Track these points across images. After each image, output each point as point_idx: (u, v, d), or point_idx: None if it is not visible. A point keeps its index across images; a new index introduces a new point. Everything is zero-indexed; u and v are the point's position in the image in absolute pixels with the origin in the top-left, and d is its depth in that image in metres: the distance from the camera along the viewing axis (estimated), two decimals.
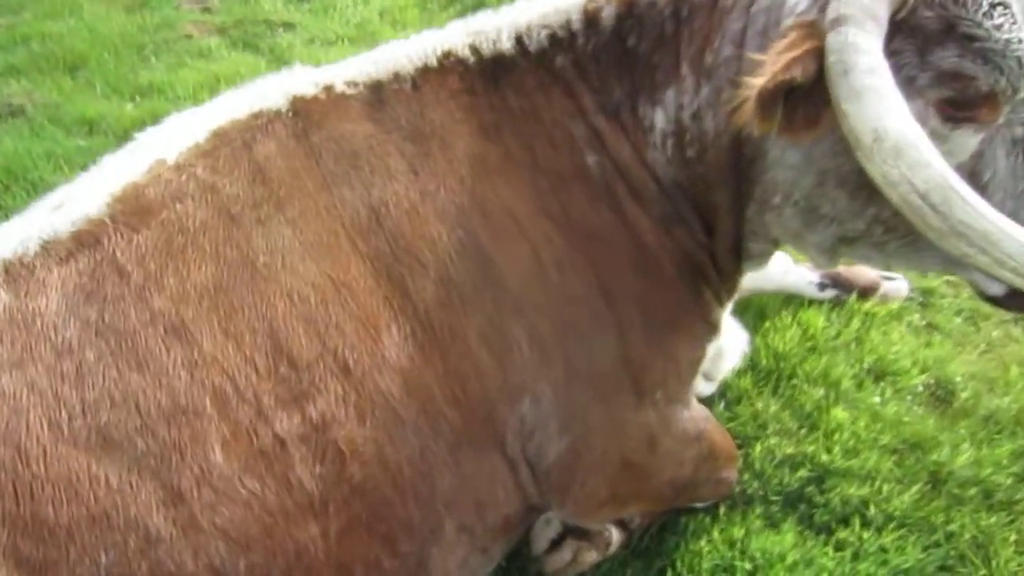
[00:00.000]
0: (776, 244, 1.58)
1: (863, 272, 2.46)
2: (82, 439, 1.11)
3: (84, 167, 3.31)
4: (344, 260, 1.32)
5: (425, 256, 1.36)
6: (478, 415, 1.39)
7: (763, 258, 1.64)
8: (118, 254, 1.23)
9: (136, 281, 1.21)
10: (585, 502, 1.60)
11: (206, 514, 1.14)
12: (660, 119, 1.46)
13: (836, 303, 2.42)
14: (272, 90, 1.47)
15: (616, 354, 1.49)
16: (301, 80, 1.48)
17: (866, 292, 2.43)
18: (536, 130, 1.46)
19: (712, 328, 1.63)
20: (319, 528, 1.21)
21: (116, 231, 1.26)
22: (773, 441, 2.05)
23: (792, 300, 2.42)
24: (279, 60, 3.99)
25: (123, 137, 3.28)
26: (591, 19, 1.49)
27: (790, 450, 2.03)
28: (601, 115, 1.46)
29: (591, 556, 1.79)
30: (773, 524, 1.90)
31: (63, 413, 1.12)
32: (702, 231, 1.54)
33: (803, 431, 2.09)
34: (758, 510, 1.92)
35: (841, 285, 2.42)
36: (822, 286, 2.42)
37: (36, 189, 3.02)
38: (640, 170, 1.49)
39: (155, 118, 3.60)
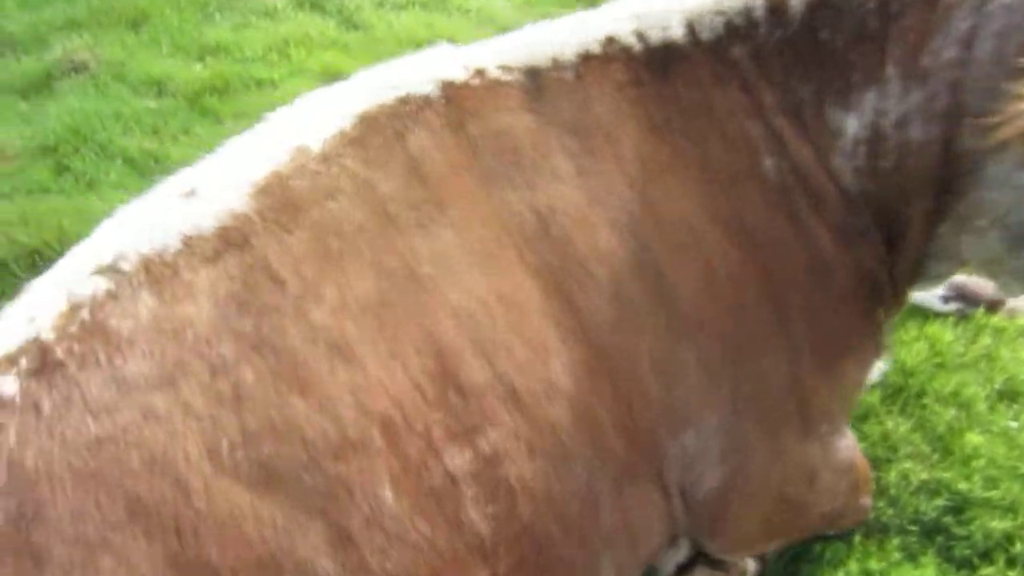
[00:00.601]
0: (961, 266, 1.44)
1: (988, 285, 2.31)
2: (244, 472, 0.98)
3: (155, 130, 3.24)
4: (511, 272, 1.17)
5: (596, 269, 1.20)
6: (643, 444, 1.26)
7: (940, 280, 1.50)
8: (271, 257, 1.09)
9: (293, 290, 1.07)
10: (736, 535, 1.48)
11: (376, 558, 1.01)
12: (852, 124, 1.30)
13: (961, 317, 2.28)
14: (417, 72, 1.30)
15: (786, 380, 1.34)
16: (449, 62, 1.32)
17: (993, 306, 2.28)
18: (709, 127, 1.30)
19: (881, 350, 1.48)
20: (488, 572, 1.09)
21: (266, 230, 1.11)
22: (907, 465, 1.91)
23: (915, 312, 2.28)
24: (348, 22, 3.83)
25: (194, 100, 3.15)
26: (776, 7, 1.31)
27: (925, 476, 1.89)
28: (781, 115, 1.30)
29: None
30: (911, 556, 1.77)
31: (223, 441, 0.99)
32: (883, 247, 1.39)
33: (936, 455, 1.95)
34: (895, 540, 1.79)
35: (966, 298, 2.27)
36: (946, 299, 2.26)
37: (106, 152, 2.90)
38: (822, 177, 1.32)
39: (225, 81, 3.51)
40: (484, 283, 1.15)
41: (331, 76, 3.26)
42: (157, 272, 1.10)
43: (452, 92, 1.28)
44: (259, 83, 3.19)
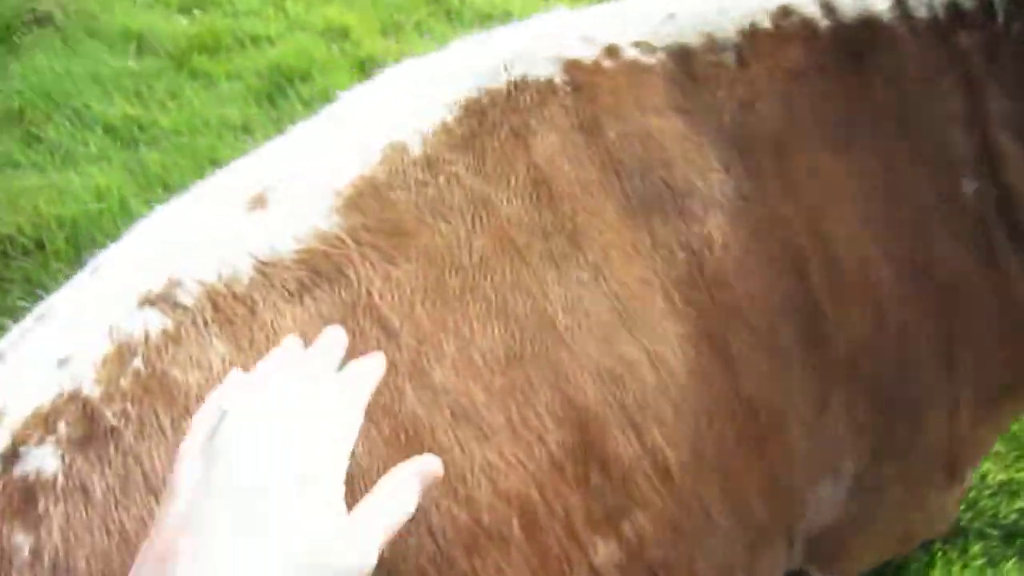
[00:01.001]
0: None
1: None
2: None
3: (139, 93, 2.90)
4: (661, 324, 0.95)
5: (753, 317, 0.99)
6: (782, 504, 1.09)
7: None
8: (375, 297, 0.87)
9: (407, 341, 0.85)
10: (848, 567, 1.34)
11: None
12: None
13: None
14: (532, 46, 1.04)
15: (942, 435, 1.16)
16: (567, 35, 1.06)
17: None
18: (902, 137, 1.06)
19: None
20: None
21: (364, 258, 0.87)
22: (985, 466, 1.79)
23: None
24: None
25: (181, 59, 2.83)
26: None
27: (1002, 476, 1.78)
28: (1007, 129, 1.05)
29: None
30: (992, 562, 1.66)
31: None
32: None
33: (1013, 454, 1.84)
34: (976, 547, 1.68)
35: None
36: None
37: (82, 119, 2.58)
38: None
39: (215, 37, 3.16)
40: (630, 338, 0.93)
41: (334, 33, 2.98)
42: (227, 309, 0.87)
43: (580, 76, 1.02)
44: (254, 40, 2.86)
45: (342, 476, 0.55)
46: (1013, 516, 1.74)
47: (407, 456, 0.83)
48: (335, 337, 0.70)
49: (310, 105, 2.56)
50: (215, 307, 0.86)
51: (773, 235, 1.02)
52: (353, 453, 0.59)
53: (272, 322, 0.85)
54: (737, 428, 1.00)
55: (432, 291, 0.88)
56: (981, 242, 1.09)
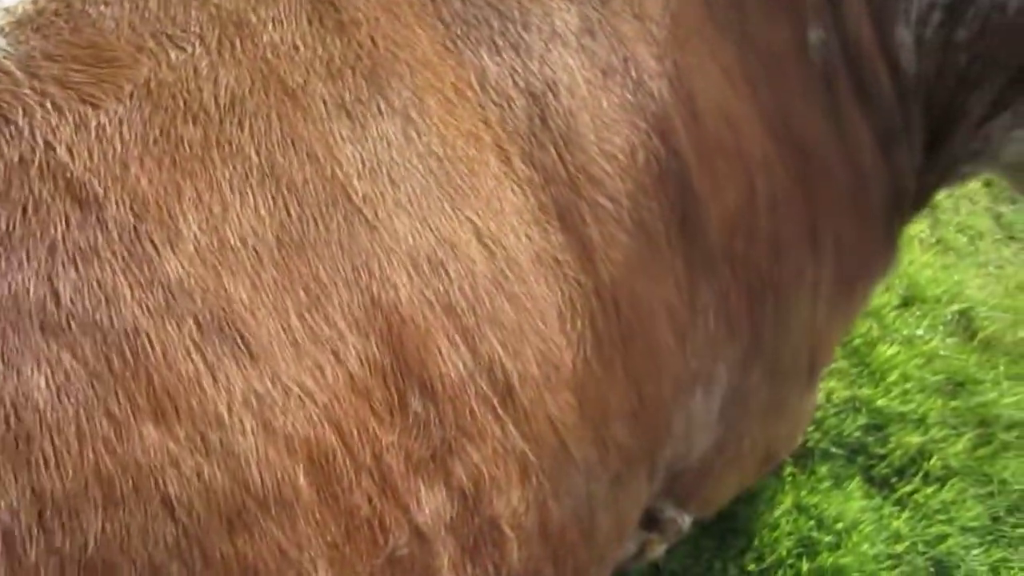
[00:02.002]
0: (997, 170, 1.19)
1: None
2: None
3: None
4: (496, 193, 0.71)
5: (611, 183, 0.77)
6: (648, 425, 0.91)
7: (960, 183, 1.25)
8: (60, 151, 0.53)
9: (118, 216, 0.54)
10: (709, 502, 1.21)
11: None
12: None
13: None
14: None
15: (805, 324, 1.03)
16: None
17: None
18: None
19: (891, 267, 1.21)
20: None
21: (44, 98, 0.55)
22: (830, 384, 1.74)
23: None
24: None
25: None
26: None
27: (846, 393, 1.75)
28: None
29: (660, 548, 1.40)
30: (838, 483, 1.61)
31: (13, 530, 0.49)
32: (921, 151, 1.09)
33: (855, 370, 1.80)
34: (823, 468, 1.62)
35: None
36: None
37: None
38: (875, 59, 0.98)
39: None
40: (453, 212, 0.68)
41: None
42: None
43: None
44: None
45: None
46: (857, 434, 1.71)
47: (124, 391, 0.56)
48: None
49: None
50: None
51: (628, 80, 0.80)
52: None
53: None
54: (595, 329, 0.78)
55: (158, 144, 0.58)
56: (829, 101, 0.94)
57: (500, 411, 0.70)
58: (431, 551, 0.66)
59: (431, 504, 0.66)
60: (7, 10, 0.61)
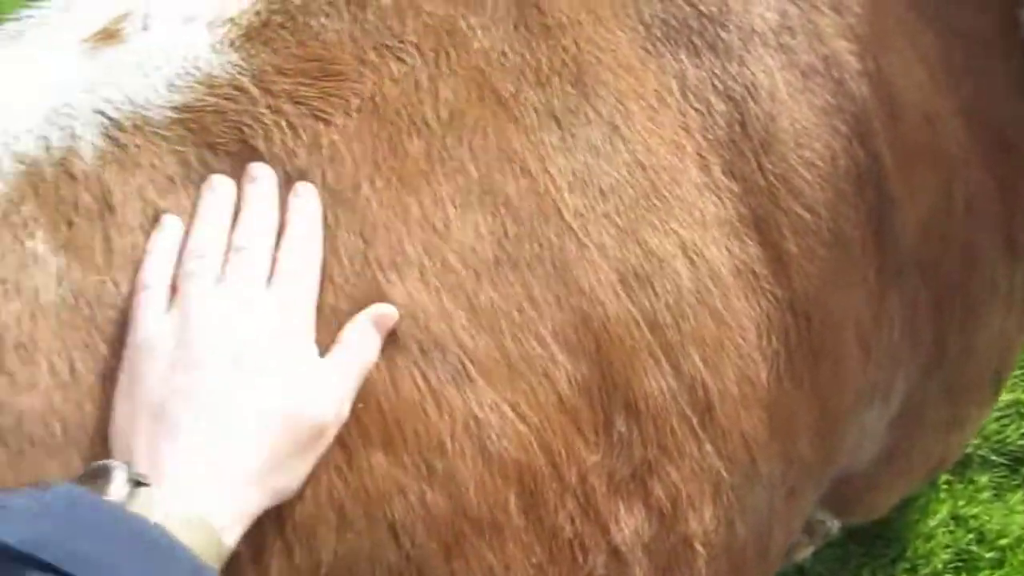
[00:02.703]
0: None
1: None
2: None
3: None
4: (698, 204, 0.69)
5: (811, 193, 0.74)
6: (826, 439, 0.87)
7: None
8: (295, 177, 0.56)
9: (349, 242, 0.55)
10: (870, 511, 1.16)
11: None
12: None
13: None
14: None
15: (994, 337, 0.96)
16: None
17: None
18: None
19: None
20: None
21: (279, 116, 0.56)
22: None
23: None
24: None
25: None
26: None
27: (1009, 396, 1.62)
28: None
29: (807, 551, 1.37)
30: (999, 494, 1.50)
31: None
32: None
33: (1020, 371, 1.69)
34: (983, 478, 1.52)
35: None
36: None
37: None
38: None
39: None
40: (658, 222, 0.66)
41: None
42: (62, 204, 0.55)
43: None
44: None
45: (312, 330, 0.54)
46: (1021, 442, 1.57)
47: (355, 420, 0.55)
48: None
49: None
50: (41, 200, 0.55)
51: (829, 80, 0.76)
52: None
53: (141, 225, 0.55)
54: (788, 345, 0.76)
55: (385, 162, 0.58)
56: None
57: (699, 429, 0.68)
58: (627, 571, 0.66)
59: (630, 524, 0.65)
60: (234, 22, 0.62)
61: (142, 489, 0.46)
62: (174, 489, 0.47)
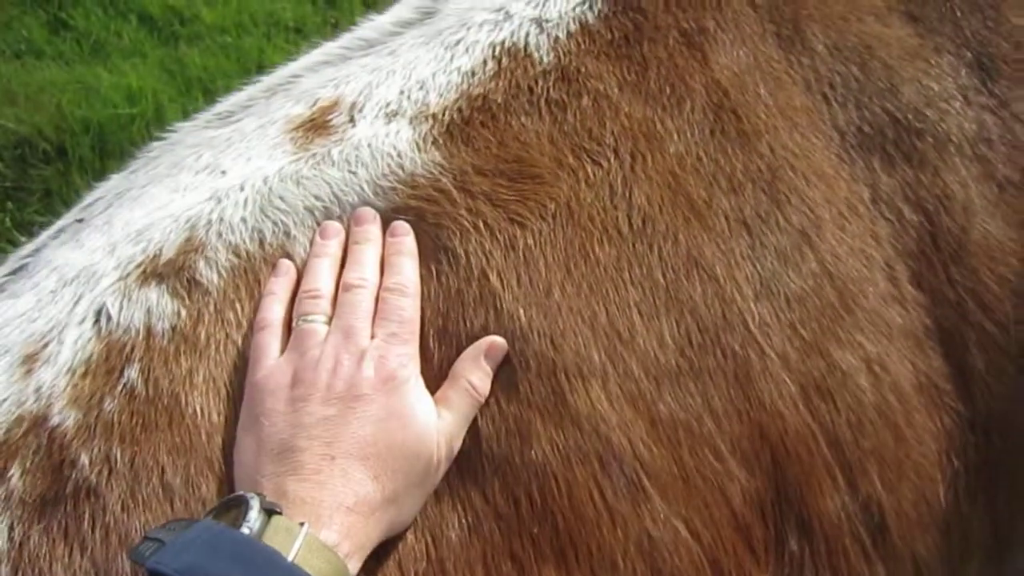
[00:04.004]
0: None
1: None
2: None
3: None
4: (885, 316, 0.67)
5: (999, 308, 0.70)
6: (997, 567, 0.83)
7: None
8: (492, 278, 0.57)
9: (539, 348, 0.56)
10: None
11: None
12: None
13: None
14: None
15: None
16: None
17: None
18: None
19: None
20: None
21: (477, 218, 0.58)
22: None
23: None
24: None
25: None
26: None
27: None
28: None
29: None
30: None
31: None
32: None
33: None
34: None
35: None
36: None
37: (116, 6, 2.27)
38: None
39: None
40: (843, 334, 0.64)
41: None
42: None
43: None
44: None
45: (417, 363, 0.57)
46: None
47: (528, 534, 0.55)
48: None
49: (372, 5, 2.22)
50: (251, 289, 0.59)
51: (1022, 194, 0.72)
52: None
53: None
54: (967, 463, 0.72)
55: (576, 268, 0.59)
56: None
57: (871, 551, 0.66)
58: None
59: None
60: (436, 119, 0.64)
61: (276, 518, 0.49)
62: (303, 519, 0.49)
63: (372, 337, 0.56)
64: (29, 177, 1.81)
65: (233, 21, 2.29)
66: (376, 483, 0.52)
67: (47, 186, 1.78)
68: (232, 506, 0.50)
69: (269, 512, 0.49)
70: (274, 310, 0.57)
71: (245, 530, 0.47)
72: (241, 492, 0.51)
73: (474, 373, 0.56)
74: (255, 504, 0.49)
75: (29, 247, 0.66)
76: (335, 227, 0.61)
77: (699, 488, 0.59)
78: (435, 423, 0.54)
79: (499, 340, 0.57)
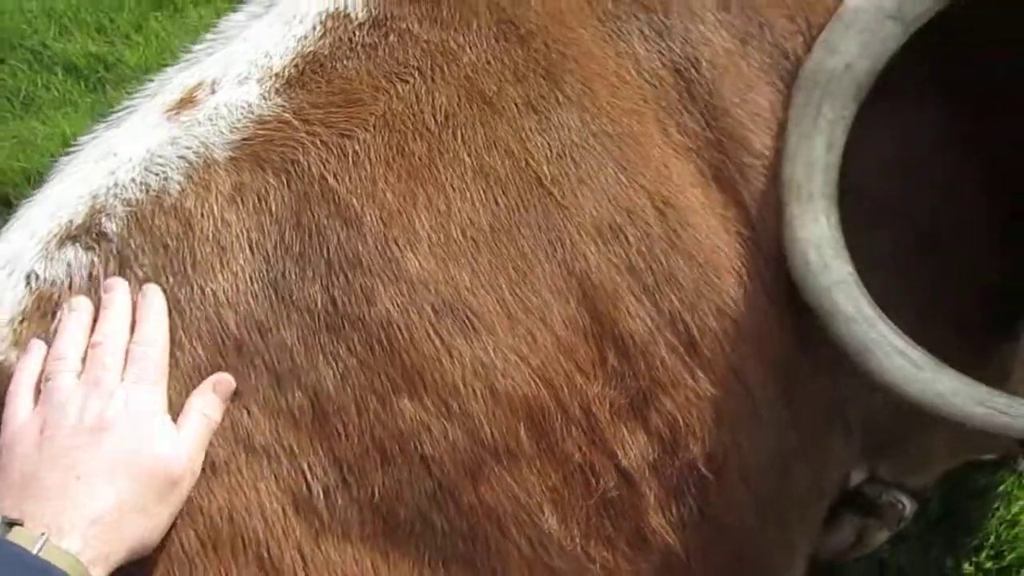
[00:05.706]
0: None
1: None
2: (352, 526, 0.69)
3: (100, 28, 2.64)
4: (658, 160, 0.81)
5: (755, 141, 0.84)
6: (828, 374, 0.98)
7: None
8: (330, 180, 0.73)
9: (373, 227, 0.72)
10: (917, 453, 1.22)
11: None
12: None
13: None
14: None
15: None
16: None
17: None
18: None
19: None
20: None
21: (314, 137, 0.74)
22: None
23: None
24: None
25: None
26: None
27: None
28: None
29: (881, 535, 1.30)
30: None
31: (311, 484, 0.70)
32: None
33: None
34: None
35: None
36: None
37: (40, 60, 2.43)
38: None
39: None
40: (627, 181, 0.79)
41: None
42: (158, 229, 0.74)
43: None
44: None
45: (163, 399, 0.67)
46: None
47: (384, 374, 0.71)
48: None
49: None
50: (144, 229, 0.73)
51: (765, 43, 0.87)
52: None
53: (214, 234, 0.73)
54: (762, 279, 0.86)
55: (396, 161, 0.75)
56: None
57: (688, 360, 0.80)
58: (638, 492, 0.78)
59: (634, 449, 0.78)
60: (278, 75, 0.80)
61: (16, 528, 0.56)
62: (44, 530, 0.56)
63: (117, 379, 0.65)
64: None
65: (155, 61, 2.41)
66: (120, 497, 0.60)
67: None
68: None
69: (11, 523, 0.56)
70: (22, 382, 0.65)
71: None
72: None
73: (207, 404, 0.66)
74: None
75: None
76: (83, 301, 0.69)
77: (522, 320, 0.74)
78: (177, 445, 0.64)
79: (227, 377, 0.67)
